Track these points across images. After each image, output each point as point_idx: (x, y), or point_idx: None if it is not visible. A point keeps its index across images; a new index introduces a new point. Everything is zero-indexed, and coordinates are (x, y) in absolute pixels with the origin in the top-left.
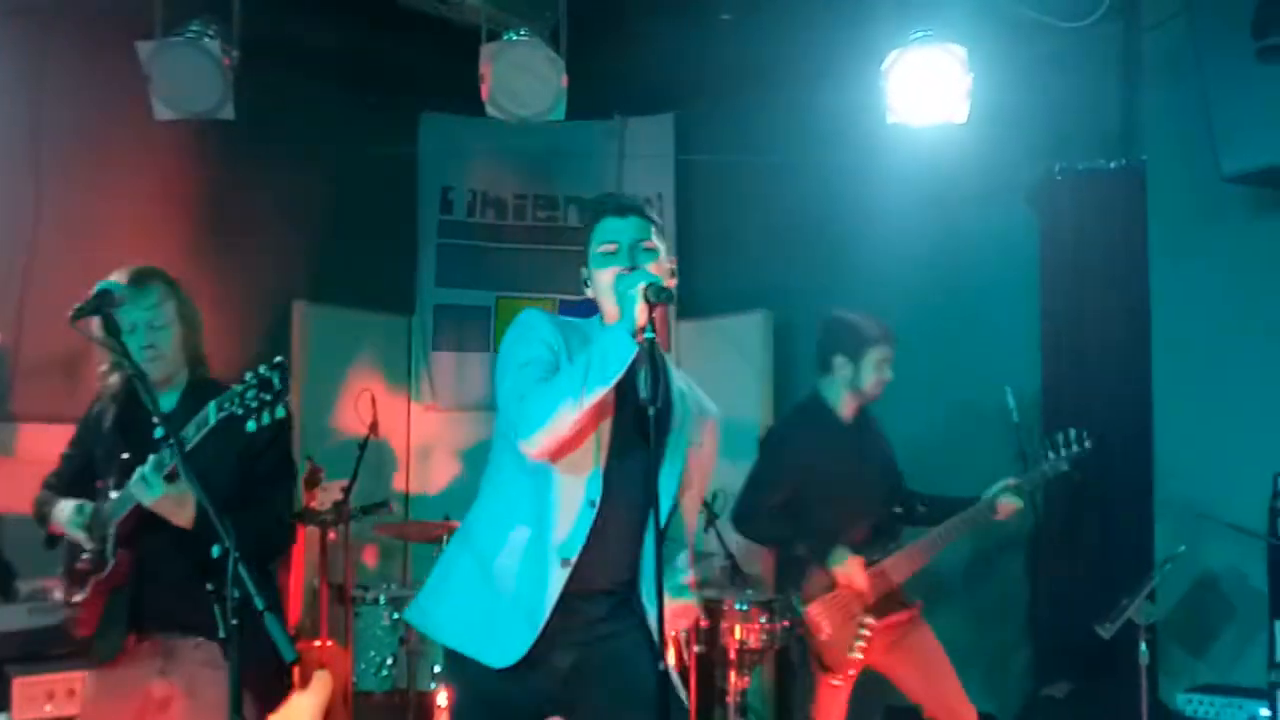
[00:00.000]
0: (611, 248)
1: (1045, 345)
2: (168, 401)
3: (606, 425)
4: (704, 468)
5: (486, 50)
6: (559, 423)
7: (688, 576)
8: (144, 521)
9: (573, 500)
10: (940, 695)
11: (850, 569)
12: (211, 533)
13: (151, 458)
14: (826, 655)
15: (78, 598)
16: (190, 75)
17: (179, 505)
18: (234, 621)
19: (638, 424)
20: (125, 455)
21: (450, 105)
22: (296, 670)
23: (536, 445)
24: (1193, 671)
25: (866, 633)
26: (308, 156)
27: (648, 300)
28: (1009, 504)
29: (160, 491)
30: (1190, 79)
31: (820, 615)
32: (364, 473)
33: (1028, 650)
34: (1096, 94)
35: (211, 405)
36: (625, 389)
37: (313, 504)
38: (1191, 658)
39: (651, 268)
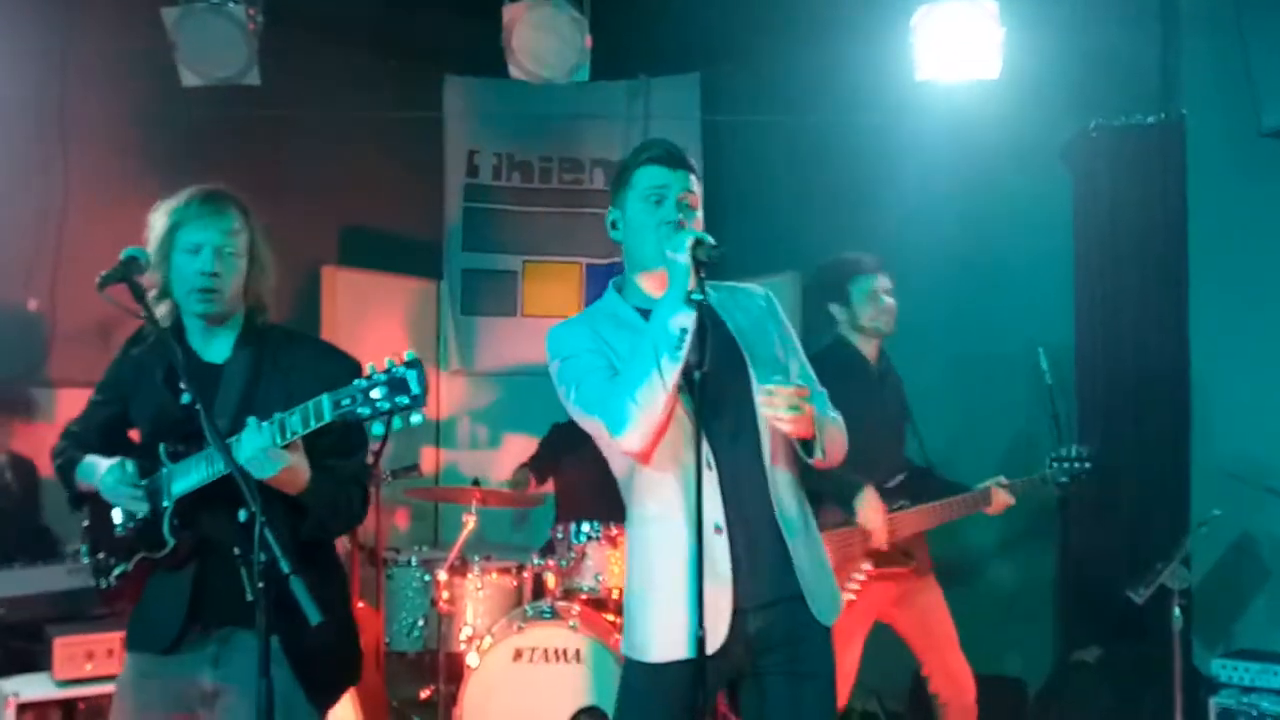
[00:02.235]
0: (657, 196)
1: (1079, 306)
2: (222, 345)
3: (684, 390)
4: (789, 342)
5: (509, 11)
6: (649, 411)
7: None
8: (211, 495)
9: (690, 474)
10: (941, 658)
11: (872, 510)
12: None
13: (265, 427)
14: None
15: (118, 569)
16: (215, 41)
17: (296, 474)
18: (260, 585)
19: (715, 373)
20: (172, 445)
21: (474, 68)
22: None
23: (637, 440)
24: (1228, 637)
25: (861, 576)
26: (333, 121)
27: (696, 259)
28: (1004, 498)
29: (285, 462)
30: (1230, 30)
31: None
32: (394, 436)
33: (1057, 615)
34: (1133, 47)
35: (325, 399)
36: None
37: None
38: (1226, 623)
39: (694, 224)
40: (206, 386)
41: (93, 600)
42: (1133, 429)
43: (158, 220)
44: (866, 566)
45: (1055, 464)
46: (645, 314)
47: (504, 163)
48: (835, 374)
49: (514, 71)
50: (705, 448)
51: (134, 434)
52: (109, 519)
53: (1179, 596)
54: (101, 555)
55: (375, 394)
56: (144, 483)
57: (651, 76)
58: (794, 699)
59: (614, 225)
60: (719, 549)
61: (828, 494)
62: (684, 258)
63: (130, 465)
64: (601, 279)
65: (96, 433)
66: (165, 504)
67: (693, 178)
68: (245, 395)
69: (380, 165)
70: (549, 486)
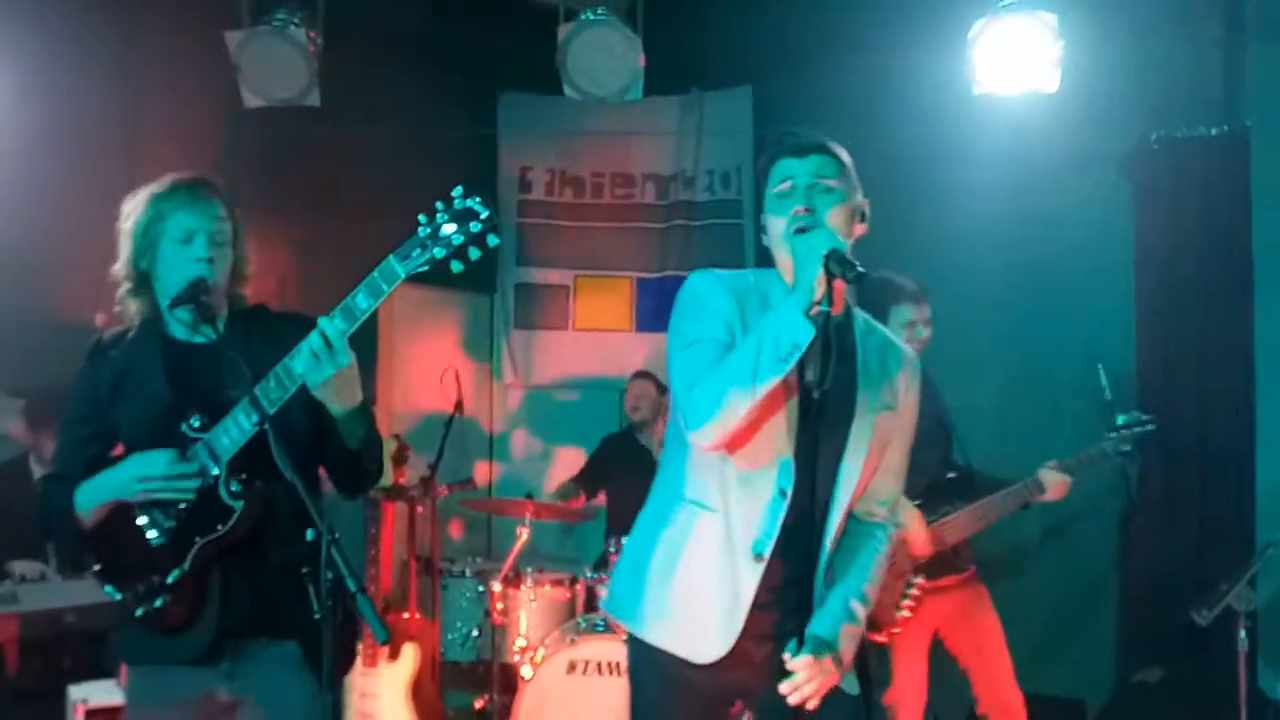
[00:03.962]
0: (785, 187)
1: (1140, 323)
2: (209, 333)
3: (793, 405)
4: (904, 426)
5: (564, 31)
6: (729, 415)
7: (846, 621)
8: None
9: (762, 490)
10: (989, 675)
11: (912, 522)
12: (304, 514)
13: (323, 320)
14: (874, 611)
15: (171, 577)
16: (277, 63)
17: (354, 381)
18: (329, 603)
19: (819, 409)
20: (196, 419)
21: (528, 85)
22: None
23: (706, 438)
24: None
25: (914, 590)
26: (389, 138)
27: (829, 272)
28: (1059, 480)
29: (348, 360)
30: None
31: None
32: (449, 449)
33: (1119, 634)
34: (1196, 57)
35: (391, 259)
36: (807, 365)
37: (401, 480)
38: None
39: (833, 214)
40: (205, 366)
41: None
42: (1196, 446)
43: (137, 209)
44: (918, 580)
45: (1114, 435)
46: None
47: (556, 178)
48: None
49: (568, 91)
50: (789, 474)
51: (118, 450)
52: (131, 536)
53: (1244, 619)
54: (138, 581)
55: (447, 229)
56: (194, 465)
57: (704, 90)
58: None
59: (763, 229)
60: (752, 574)
61: None
62: (815, 261)
63: (169, 451)
64: (653, 292)
65: (83, 465)
66: (215, 471)
67: (830, 159)
68: (250, 365)
69: (435, 181)
70: (600, 499)
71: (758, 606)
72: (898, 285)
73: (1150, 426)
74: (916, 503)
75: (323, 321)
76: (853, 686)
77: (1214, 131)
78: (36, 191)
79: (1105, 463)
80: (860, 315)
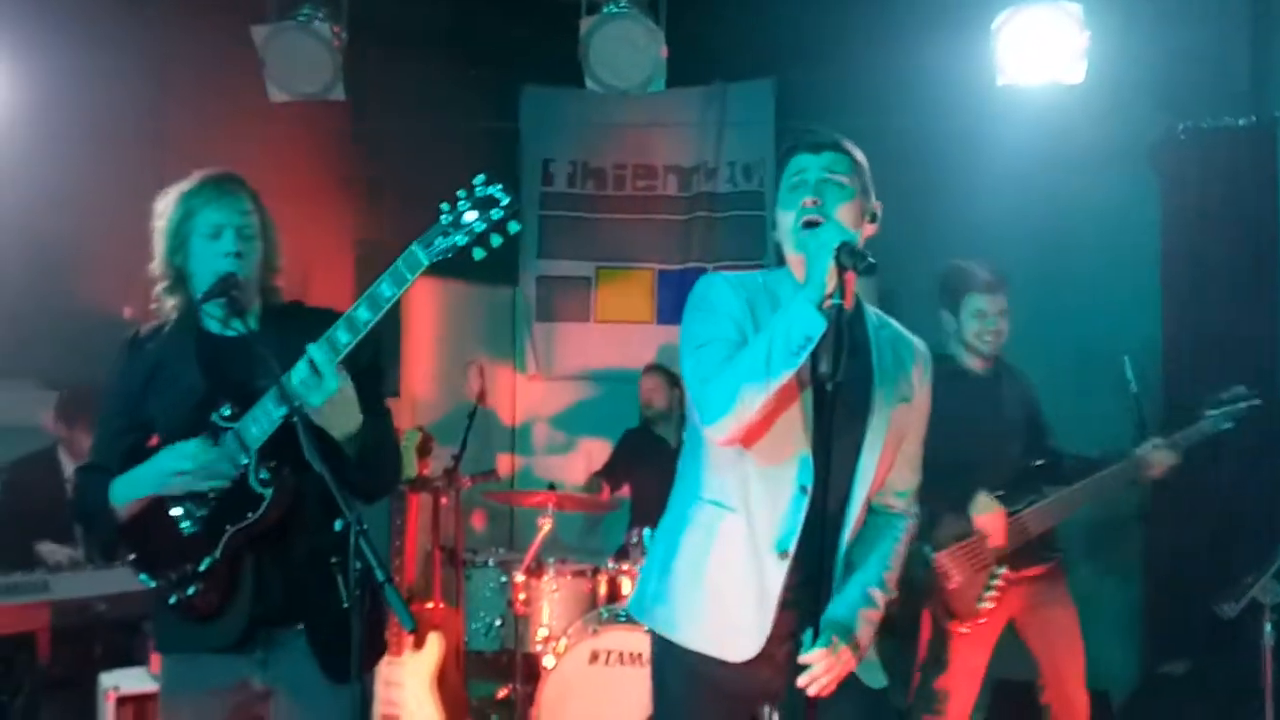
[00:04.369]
0: (796, 182)
1: (1166, 314)
2: (241, 327)
3: (808, 399)
4: (919, 418)
5: (586, 24)
6: (743, 409)
7: (863, 606)
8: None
9: (783, 487)
10: (1057, 669)
11: (991, 516)
12: (333, 504)
13: (311, 347)
14: (955, 603)
15: (204, 564)
16: (302, 58)
17: (348, 404)
18: (357, 593)
19: (831, 401)
20: (226, 408)
21: (551, 78)
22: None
23: (721, 433)
24: None
25: (998, 582)
26: (412, 132)
27: (840, 264)
28: (1165, 459)
29: (337, 385)
30: None
31: (950, 563)
32: (471, 441)
33: (1144, 626)
34: (1222, 48)
35: (415, 246)
36: (820, 359)
37: (425, 471)
38: None
39: (842, 209)
40: (237, 358)
41: None
42: (1222, 437)
43: (168, 207)
44: (1003, 571)
45: (1215, 412)
46: None
47: (578, 170)
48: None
49: (590, 83)
50: (809, 469)
51: (154, 441)
52: (165, 526)
53: (1270, 611)
54: (171, 570)
55: (469, 216)
56: (222, 449)
57: (726, 82)
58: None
59: (773, 225)
60: (778, 571)
61: (945, 508)
62: (825, 256)
63: (197, 440)
64: (674, 285)
65: (120, 457)
66: (244, 460)
67: (843, 156)
68: (280, 359)
69: (457, 174)
70: (624, 491)
71: (782, 604)
72: (972, 273)
73: (1256, 401)
74: (998, 494)
75: (311, 349)
76: (876, 680)
77: (1241, 122)
78: (66, 187)
79: (1201, 439)
80: (872, 310)
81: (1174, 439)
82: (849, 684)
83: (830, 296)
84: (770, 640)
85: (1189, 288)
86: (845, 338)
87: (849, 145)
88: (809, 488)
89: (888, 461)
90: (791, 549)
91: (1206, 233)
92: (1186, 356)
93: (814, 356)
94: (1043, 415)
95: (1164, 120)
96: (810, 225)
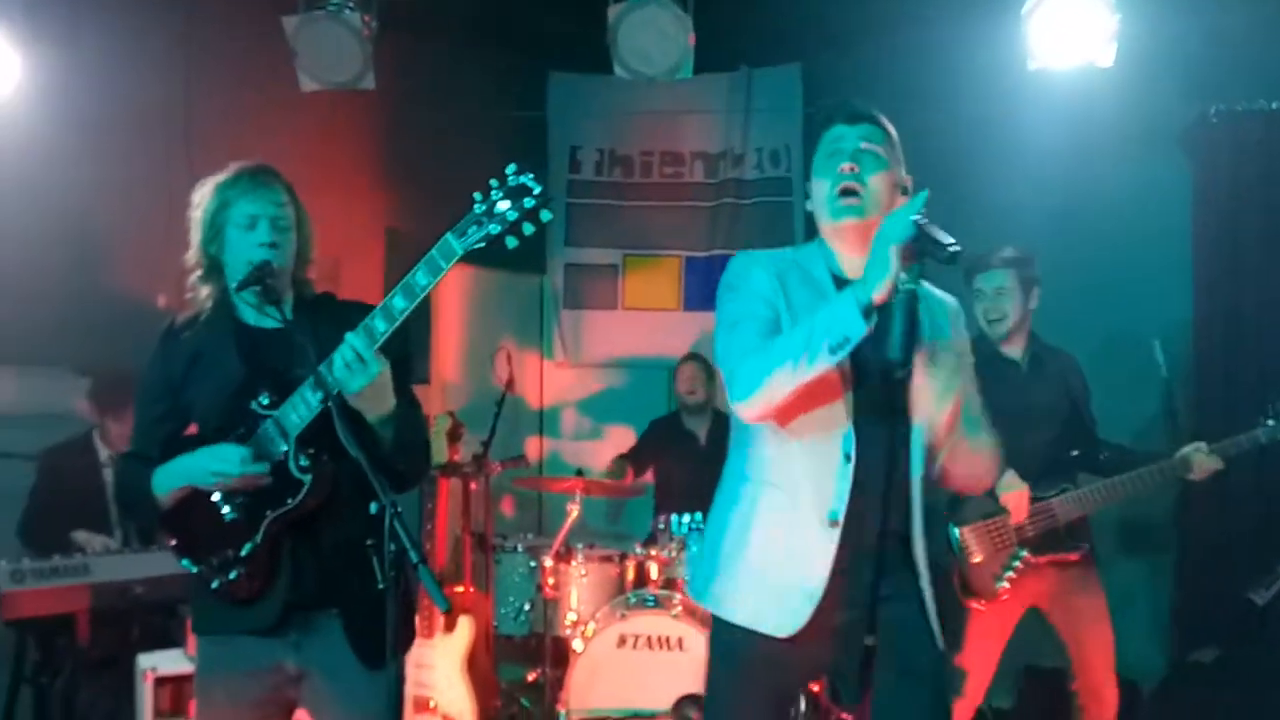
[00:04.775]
0: (832, 150)
1: (1197, 299)
2: (276, 316)
3: (848, 375)
4: (965, 365)
5: (614, 11)
6: (771, 393)
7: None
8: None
9: (827, 458)
10: (1086, 660)
11: (1015, 493)
12: (368, 488)
13: (350, 335)
14: (974, 579)
15: (245, 549)
16: (333, 48)
17: (385, 387)
18: (392, 574)
19: (884, 377)
20: (265, 396)
21: (578, 65)
22: (444, 616)
23: (749, 410)
24: None
25: (1019, 564)
26: (441, 121)
27: (920, 252)
28: (1209, 464)
29: (379, 368)
30: None
31: (973, 539)
32: (500, 427)
33: (1174, 614)
34: (1255, 29)
35: (449, 235)
36: (885, 343)
37: (455, 457)
38: None
39: (877, 178)
40: (273, 348)
41: None
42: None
43: (204, 198)
44: (1024, 554)
45: (1272, 423)
46: (837, 281)
47: (605, 158)
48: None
49: (619, 70)
50: (852, 439)
51: (192, 428)
52: (206, 512)
53: None
54: (212, 555)
55: (502, 206)
56: (265, 466)
57: (753, 68)
58: (895, 695)
59: (807, 195)
60: (829, 541)
61: None
62: (899, 248)
63: (243, 449)
64: (701, 271)
65: (158, 444)
66: (284, 447)
67: (879, 129)
68: (316, 349)
69: (485, 162)
70: (648, 477)
71: (836, 573)
72: (980, 253)
73: None
74: (1031, 480)
75: (350, 336)
76: (939, 641)
77: (1274, 105)
78: (98, 176)
79: (1250, 446)
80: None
81: (1224, 445)
82: (918, 647)
83: (899, 281)
84: (823, 612)
85: (1220, 272)
86: (916, 326)
87: (883, 118)
88: (852, 456)
89: (944, 419)
90: (840, 518)
91: (1238, 216)
92: (1217, 341)
93: (874, 341)
94: (1087, 404)
95: (1196, 103)
96: (848, 193)
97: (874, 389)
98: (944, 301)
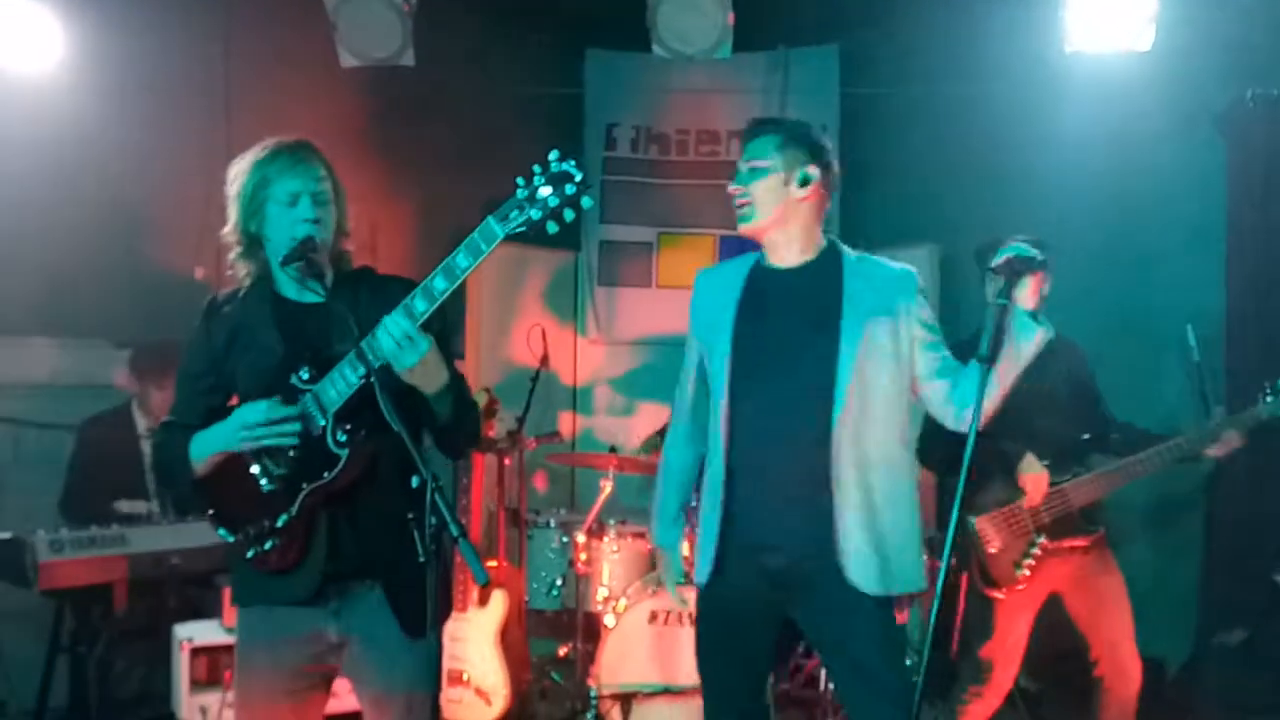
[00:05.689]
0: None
1: (1231, 284)
2: (317, 290)
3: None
4: (909, 324)
5: None
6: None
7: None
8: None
9: (728, 415)
10: (1108, 638)
11: (1034, 476)
12: (409, 463)
13: (389, 318)
14: (993, 568)
15: (281, 520)
16: (373, 24)
17: (438, 361)
18: (432, 548)
19: (793, 330)
20: (305, 371)
21: (616, 43)
22: (479, 589)
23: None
24: None
25: (1036, 550)
26: (480, 97)
27: (1013, 279)
28: (1230, 436)
29: (428, 344)
30: None
31: (990, 527)
32: (534, 403)
33: (1200, 595)
34: None
35: (490, 220)
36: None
37: (490, 433)
38: None
39: (758, 188)
40: (314, 322)
41: None
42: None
43: (242, 174)
44: (1042, 540)
45: (1272, 397)
46: (764, 273)
47: (641, 135)
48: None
49: (658, 49)
50: (726, 400)
51: (234, 401)
52: (244, 483)
53: None
54: (249, 525)
55: (544, 192)
56: (294, 409)
57: (790, 48)
58: (834, 632)
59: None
60: (724, 490)
61: (991, 470)
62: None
63: (274, 401)
64: (735, 250)
65: (200, 416)
66: (322, 421)
67: (760, 140)
68: (358, 322)
69: (522, 138)
70: None
71: (753, 521)
72: (995, 242)
73: None
74: (1045, 463)
75: (390, 318)
76: (873, 586)
77: None
78: (137, 151)
79: (1256, 423)
80: (849, 253)
81: (1243, 417)
82: (851, 597)
83: (999, 295)
84: (749, 556)
85: (1255, 257)
86: (1004, 327)
87: (775, 122)
88: (756, 414)
89: (867, 373)
90: (730, 468)
91: (1274, 201)
92: (1251, 326)
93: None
94: (1095, 385)
95: (1233, 86)
96: (740, 207)
97: (776, 356)
98: (891, 269)
